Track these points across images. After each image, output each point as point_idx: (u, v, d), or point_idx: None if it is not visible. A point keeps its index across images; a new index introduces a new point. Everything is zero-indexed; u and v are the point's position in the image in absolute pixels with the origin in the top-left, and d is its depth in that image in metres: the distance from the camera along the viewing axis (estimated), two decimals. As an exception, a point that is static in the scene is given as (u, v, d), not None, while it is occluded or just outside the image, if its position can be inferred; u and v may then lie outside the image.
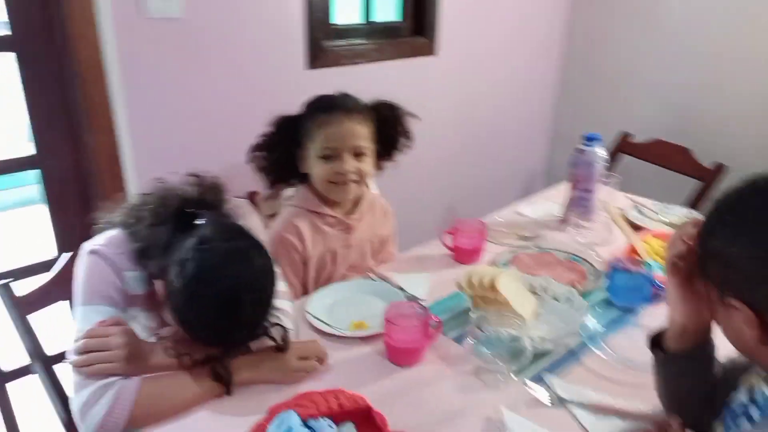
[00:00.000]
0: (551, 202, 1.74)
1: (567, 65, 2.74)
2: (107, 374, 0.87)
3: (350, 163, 1.25)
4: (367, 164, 1.29)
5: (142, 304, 1.00)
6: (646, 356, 0.99)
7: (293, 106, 1.30)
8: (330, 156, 1.25)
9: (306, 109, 1.29)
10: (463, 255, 1.38)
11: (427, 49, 2.15)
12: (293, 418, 0.80)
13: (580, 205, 1.52)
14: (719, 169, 1.94)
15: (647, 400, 0.91)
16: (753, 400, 0.66)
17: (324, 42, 1.84)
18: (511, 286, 1.12)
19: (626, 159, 2.24)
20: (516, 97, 2.59)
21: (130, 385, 0.87)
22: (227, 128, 1.68)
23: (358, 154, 1.27)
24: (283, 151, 1.27)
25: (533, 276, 1.22)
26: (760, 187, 0.63)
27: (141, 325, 0.99)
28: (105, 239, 1.00)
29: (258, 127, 1.28)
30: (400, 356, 1.01)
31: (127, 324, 0.92)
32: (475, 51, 2.33)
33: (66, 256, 1.16)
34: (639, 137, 2.24)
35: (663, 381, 0.84)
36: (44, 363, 1.11)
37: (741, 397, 0.69)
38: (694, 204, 1.92)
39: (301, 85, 1.75)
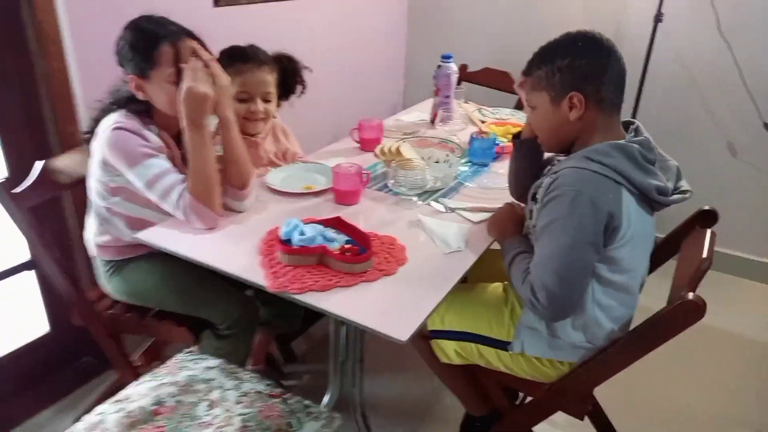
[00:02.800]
0: (419, 111, 2.30)
1: (413, 14, 3.30)
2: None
3: (260, 105, 1.62)
4: (272, 106, 1.68)
5: (167, 146, 1.36)
6: (497, 184, 1.58)
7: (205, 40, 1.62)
8: (244, 99, 1.61)
9: (223, 56, 1.60)
10: (368, 144, 1.86)
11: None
12: (297, 221, 1.23)
13: (442, 107, 2.09)
14: (531, 85, 2.64)
15: (500, 203, 1.50)
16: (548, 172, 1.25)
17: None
18: (409, 151, 1.64)
19: (466, 84, 2.88)
20: (375, 41, 3.09)
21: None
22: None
23: (265, 99, 1.64)
24: None
25: (421, 149, 1.75)
26: (578, 34, 1.14)
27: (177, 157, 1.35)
28: (114, 119, 1.30)
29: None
30: (345, 197, 1.48)
31: None
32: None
33: (40, 164, 1.42)
34: (473, 67, 2.89)
35: (515, 162, 1.41)
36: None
37: (541, 179, 1.28)
38: (516, 107, 2.61)
39: (209, 22, 2.05)
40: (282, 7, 2.40)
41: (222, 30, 2.09)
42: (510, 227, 1.31)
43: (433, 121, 2.12)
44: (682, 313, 1.03)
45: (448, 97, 2.09)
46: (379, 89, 3.26)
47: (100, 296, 1.57)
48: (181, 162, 1.40)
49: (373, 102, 3.20)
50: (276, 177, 1.59)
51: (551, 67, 1.14)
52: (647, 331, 1.09)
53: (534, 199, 1.21)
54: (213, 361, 1.28)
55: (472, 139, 1.76)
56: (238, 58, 1.60)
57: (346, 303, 1.09)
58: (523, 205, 1.40)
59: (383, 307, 1.09)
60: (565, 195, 1.06)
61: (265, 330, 1.81)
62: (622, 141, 1.11)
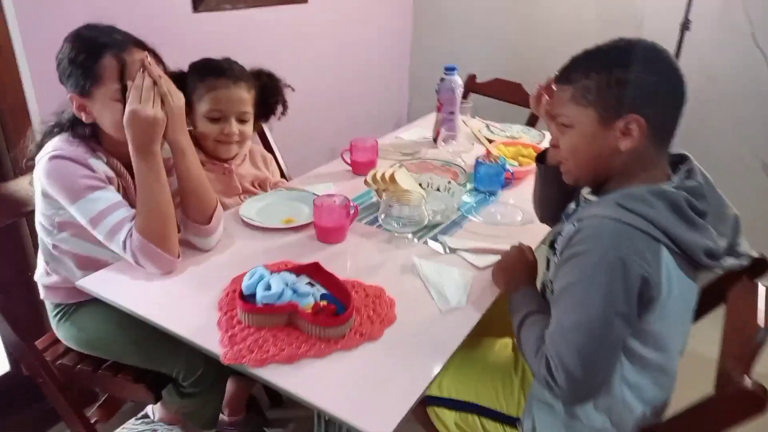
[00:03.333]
0: (422, 128, 2.09)
1: (418, 20, 3.09)
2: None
3: (235, 126, 1.42)
4: (249, 127, 1.47)
5: (118, 175, 1.19)
6: (504, 218, 1.37)
7: (181, 47, 1.42)
8: (217, 118, 1.40)
9: (194, 70, 1.42)
10: (361, 167, 1.65)
11: (300, -2, 2.34)
12: (263, 270, 1.02)
13: (446, 124, 1.88)
14: (544, 98, 2.42)
15: (509, 243, 1.29)
16: (578, 204, 1.03)
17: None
18: (405, 179, 1.43)
19: (474, 96, 2.67)
20: (377, 48, 2.89)
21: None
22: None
23: (241, 120, 1.44)
24: None
25: (420, 175, 1.54)
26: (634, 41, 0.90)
27: (131, 188, 1.17)
28: (54, 145, 1.11)
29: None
30: (329, 235, 1.27)
31: None
32: (341, 4, 2.57)
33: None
34: (482, 77, 2.68)
35: (539, 187, 1.19)
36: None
37: (572, 205, 1.06)
38: (528, 123, 2.40)
39: (188, 29, 1.86)
40: (271, 13, 2.21)
41: (202, 38, 1.92)
42: (520, 276, 1.10)
43: (435, 140, 1.91)
44: (736, 405, 0.81)
45: (452, 113, 1.88)
46: (382, 101, 3.06)
47: (53, 342, 1.38)
48: (135, 194, 1.20)
49: (375, 115, 3.00)
50: (251, 208, 1.39)
51: (607, 77, 0.89)
52: (690, 422, 0.87)
53: (552, 247, 0.99)
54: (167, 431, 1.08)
55: (477, 163, 1.55)
56: (210, 72, 1.40)
57: (316, 381, 0.88)
58: (529, 246, 1.19)
59: (361, 386, 0.88)
60: (590, 253, 0.85)
61: (243, 378, 1.61)
62: (666, 186, 0.89)
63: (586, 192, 1.02)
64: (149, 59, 1.09)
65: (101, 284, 1.11)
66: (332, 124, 2.69)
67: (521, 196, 1.52)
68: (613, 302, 0.84)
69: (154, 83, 1.08)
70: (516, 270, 1.11)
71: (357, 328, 0.98)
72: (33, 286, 1.37)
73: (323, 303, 1.00)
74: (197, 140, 1.44)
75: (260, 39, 2.17)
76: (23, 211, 1.32)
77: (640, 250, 0.84)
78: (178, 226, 1.20)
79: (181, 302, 1.06)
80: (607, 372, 0.89)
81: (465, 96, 2.65)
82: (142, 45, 1.13)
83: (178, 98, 1.12)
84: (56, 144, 1.12)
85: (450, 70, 1.84)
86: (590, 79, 0.91)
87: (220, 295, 1.07)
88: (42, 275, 1.30)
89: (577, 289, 0.86)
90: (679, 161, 0.97)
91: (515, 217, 1.43)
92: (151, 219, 1.09)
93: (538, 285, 1.11)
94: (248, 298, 1.00)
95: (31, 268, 1.36)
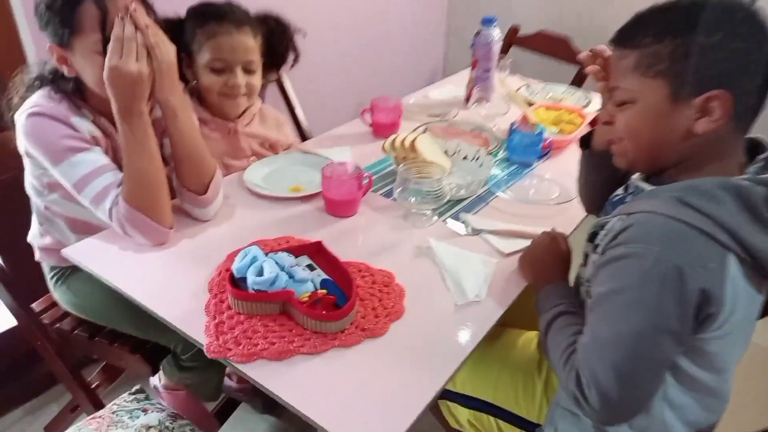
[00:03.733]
0: (454, 85, 1.91)
1: (460, -39, 2.83)
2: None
3: (241, 77, 1.26)
4: (257, 79, 1.30)
5: (106, 135, 1.08)
6: (538, 195, 1.21)
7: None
8: (221, 69, 1.25)
9: (192, 15, 1.26)
10: (382, 129, 1.50)
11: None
12: (256, 250, 0.91)
13: (480, 83, 1.69)
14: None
15: (542, 225, 1.14)
16: (626, 191, 0.87)
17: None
18: (428, 147, 1.28)
19: (515, 50, 2.44)
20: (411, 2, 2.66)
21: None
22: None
23: (248, 70, 1.28)
24: None
25: (447, 141, 1.39)
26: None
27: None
28: (33, 101, 1.01)
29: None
30: (338, 208, 1.15)
31: None
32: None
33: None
34: (526, 30, 2.44)
35: (584, 174, 1.04)
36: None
37: (618, 191, 0.90)
38: (573, 83, 2.18)
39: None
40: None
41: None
42: (551, 269, 0.96)
43: (467, 100, 1.73)
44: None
45: (488, 71, 1.69)
46: (416, 52, 2.84)
47: (51, 304, 1.32)
48: None
49: (407, 68, 2.80)
50: (257, 173, 1.27)
51: (685, 42, 0.70)
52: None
53: (592, 240, 0.84)
54: (156, 416, 1.01)
55: (512, 130, 1.38)
56: (210, 16, 1.24)
57: (309, 383, 0.78)
58: (566, 235, 1.03)
59: (359, 391, 0.77)
60: (640, 257, 0.70)
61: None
62: (740, 179, 0.72)
63: (638, 178, 0.85)
64: (134, 5, 0.95)
65: (87, 254, 1.02)
66: (359, 78, 2.52)
67: (560, 169, 1.36)
68: (663, 317, 0.69)
69: (140, 32, 0.94)
70: (546, 261, 0.97)
71: (359, 322, 0.87)
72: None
73: (322, 292, 0.88)
74: (201, 95, 1.32)
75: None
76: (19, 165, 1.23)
77: (702, 258, 0.69)
78: (173, 193, 1.09)
79: (171, 279, 0.97)
80: (647, 395, 0.76)
81: (505, 51, 2.43)
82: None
83: (167, 51, 0.99)
84: (36, 99, 1.01)
85: (487, 22, 1.64)
86: (663, 44, 0.72)
87: (213, 273, 0.96)
88: (36, 236, 1.23)
89: (621, 298, 0.72)
90: (754, 148, 0.79)
91: (551, 195, 1.27)
92: (139, 187, 0.99)
93: (572, 280, 0.97)
94: (239, 282, 0.89)
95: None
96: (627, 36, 0.77)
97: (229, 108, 1.32)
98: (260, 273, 0.87)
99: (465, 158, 1.36)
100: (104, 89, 0.96)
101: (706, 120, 0.72)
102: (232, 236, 1.08)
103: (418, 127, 1.54)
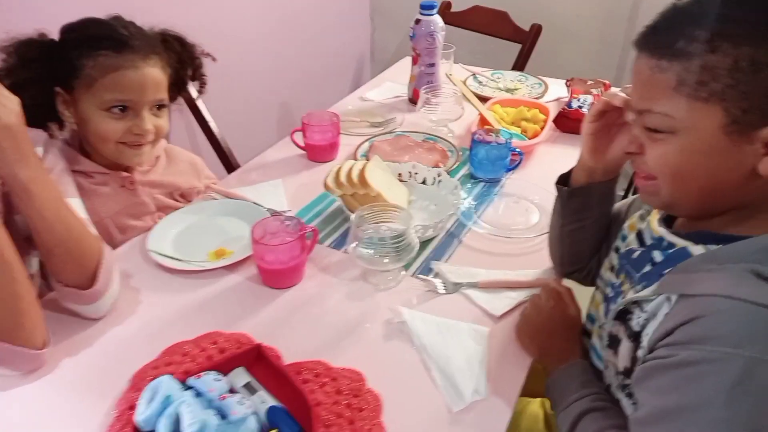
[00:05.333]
0: (393, 82, 1.65)
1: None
2: None
3: (149, 121, 0.96)
4: (166, 120, 1.01)
5: None
6: (518, 224, 1.00)
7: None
8: (122, 111, 0.95)
9: (73, 38, 0.93)
10: (318, 152, 1.24)
11: None
12: (168, 383, 0.64)
13: (424, 81, 1.45)
14: (537, 31, 2.00)
15: (530, 266, 0.93)
16: (644, 244, 0.67)
17: None
18: (381, 178, 1.03)
19: (449, 31, 2.21)
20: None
21: None
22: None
23: (157, 107, 0.99)
24: (35, 91, 0.89)
25: (399, 163, 1.14)
26: None
27: None
28: None
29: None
30: (278, 279, 0.89)
31: None
32: None
33: None
34: (458, 5, 2.21)
35: (558, 219, 0.84)
36: None
37: (626, 242, 0.69)
38: (518, 66, 1.98)
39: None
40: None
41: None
42: (561, 343, 0.75)
43: (414, 101, 1.49)
44: None
45: (432, 65, 1.45)
46: (338, 41, 2.55)
47: None
48: None
49: (332, 60, 2.50)
50: (164, 237, 0.98)
51: (752, 51, 0.51)
52: None
53: (622, 319, 0.63)
54: None
55: (474, 142, 1.15)
56: (103, 43, 0.91)
57: None
58: (568, 287, 0.83)
59: None
60: (723, 363, 0.49)
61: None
62: None
63: (659, 224, 0.65)
64: None
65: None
66: (283, 80, 2.21)
67: (532, 181, 1.14)
68: None
69: None
70: (552, 332, 0.76)
71: (326, 468, 0.63)
72: None
73: (271, 435, 0.63)
74: (82, 144, 1.00)
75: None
76: None
77: None
78: (42, 291, 0.80)
79: (45, 429, 0.68)
80: None
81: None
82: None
83: (6, 111, 0.68)
84: None
85: (427, 7, 1.39)
86: (719, 54, 0.51)
87: (111, 417, 0.68)
88: None
89: (700, 418, 0.51)
90: None
91: (530, 219, 1.06)
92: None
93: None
94: (148, 438, 0.62)
95: None
96: (664, 39, 0.55)
97: (128, 159, 1.00)
98: (176, 425, 0.61)
99: (423, 182, 1.13)
100: None
101: None
102: (137, 343, 0.79)
103: (363, 143, 1.28)
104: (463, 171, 1.21)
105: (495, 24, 2.14)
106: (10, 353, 0.71)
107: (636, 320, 0.60)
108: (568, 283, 0.89)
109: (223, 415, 0.63)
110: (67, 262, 0.78)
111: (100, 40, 0.91)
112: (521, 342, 0.78)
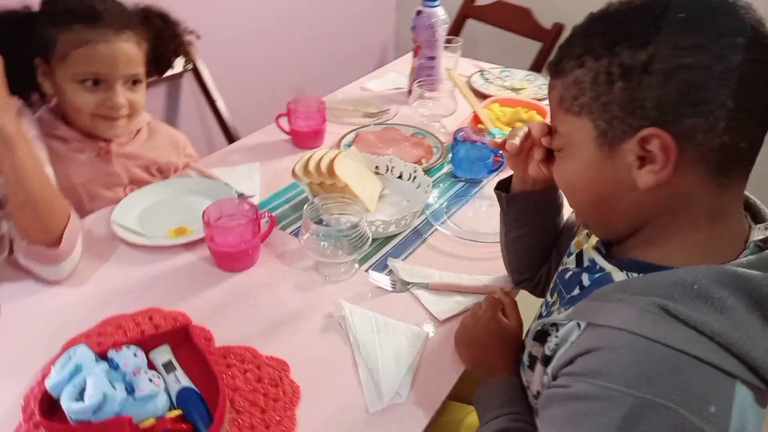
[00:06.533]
0: (397, 73, 1.63)
1: None
2: None
3: (122, 95, 0.98)
4: (141, 95, 1.02)
5: None
6: (488, 227, 0.97)
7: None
8: (95, 83, 0.96)
9: (49, 11, 0.95)
10: (303, 138, 1.23)
11: None
12: (83, 352, 0.65)
13: (424, 73, 1.42)
14: (558, 30, 1.93)
15: (489, 271, 0.90)
16: (581, 266, 0.63)
17: None
18: (351, 169, 1.02)
19: (471, 23, 2.17)
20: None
21: None
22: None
23: (131, 84, 1.00)
24: (15, 61, 0.87)
25: (378, 156, 1.12)
26: None
27: None
28: None
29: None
30: (228, 261, 0.89)
31: None
32: None
33: None
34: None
35: (505, 227, 0.81)
36: None
37: (569, 262, 0.66)
38: (535, 66, 1.92)
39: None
40: None
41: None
42: (493, 356, 0.72)
43: (409, 92, 1.46)
44: None
45: (433, 58, 1.42)
46: (363, 28, 2.53)
47: None
48: None
49: (353, 47, 2.48)
50: (129, 210, 1.00)
51: (607, 63, 0.50)
52: None
53: (540, 340, 0.60)
54: None
55: (456, 140, 1.12)
56: (77, 15, 0.93)
57: None
58: (513, 299, 0.80)
59: None
60: (612, 402, 0.46)
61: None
62: (744, 267, 0.49)
63: (592, 246, 0.62)
64: None
65: None
66: (298, 60, 2.21)
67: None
68: None
69: None
70: (486, 344, 0.73)
71: (227, 453, 0.62)
72: None
73: (174, 414, 0.63)
74: (64, 112, 1.02)
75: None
76: None
77: (701, 399, 0.45)
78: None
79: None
80: None
81: (460, 23, 2.15)
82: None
83: None
84: None
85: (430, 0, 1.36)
86: (584, 68, 0.52)
87: (33, 381, 0.70)
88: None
89: None
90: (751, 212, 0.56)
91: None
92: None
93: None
94: (55, 404, 0.63)
95: None
96: (555, 59, 0.56)
97: (104, 130, 1.02)
98: (82, 392, 0.61)
99: (400, 177, 1.11)
100: None
101: (648, 170, 0.50)
102: (80, 311, 0.81)
103: (347, 133, 1.27)
104: (446, 169, 1.18)
105: (517, 20, 2.08)
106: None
107: (549, 344, 0.58)
108: (522, 294, 0.86)
109: (131, 389, 0.64)
110: (35, 219, 0.80)
111: (74, 13, 0.92)
112: (457, 349, 0.76)
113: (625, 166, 0.52)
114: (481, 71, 1.61)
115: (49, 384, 0.63)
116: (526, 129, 0.70)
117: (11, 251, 0.89)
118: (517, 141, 0.69)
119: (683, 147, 0.48)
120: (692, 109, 0.48)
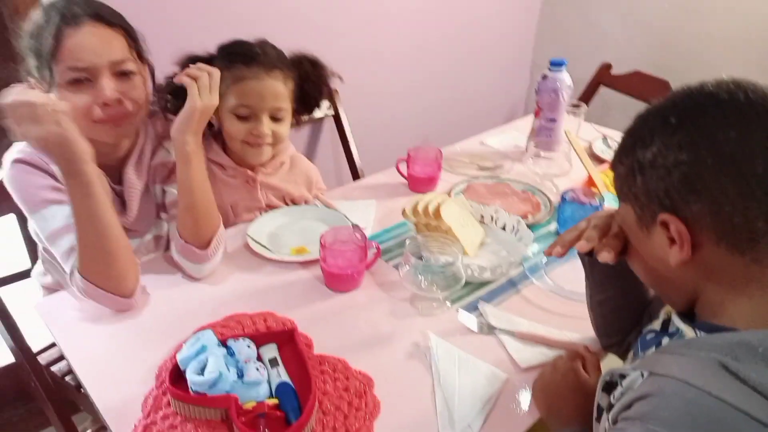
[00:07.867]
0: (518, 132, 1.69)
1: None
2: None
3: (267, 126, 1.14)
4: (285, 127, 1.19)
5: None
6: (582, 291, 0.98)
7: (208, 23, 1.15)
8: (246, 115, 1.14)
9: (221, 54, 1.15)
10: (418, 183, 1.34)
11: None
12: (209, 336, 0.78)
13: (543, 134, 1.47)
14: (695, 103, 1.87)
15: (579, 330, 0.91)
16: (665, 330, 0.64)
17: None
18: (456, 214, 1.09)
19: (605, 90, 2.17)
20: (494, 25, 2.46)
21: None
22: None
23: (275, 117, 1.16)
24: None
25: (484, 206, 1.19)
26: (695, 91, 0.58)
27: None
28: (20, 146, 0.96)
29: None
30: (335, 281, 0.99)
31: None
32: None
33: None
34: (619, 68, 2.16)
35: (590, 289, 0.83)
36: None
37: (654, 325, 0.67)
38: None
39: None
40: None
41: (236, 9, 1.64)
42: (567, 406, 0.73)
43: (526, 151, 1.51)
44: None
45: (553, 120, 1.46)
46: (496, 87, 2.63)
47: (51, 345, 1.28)
48: (117, 206, 1.02)
49: (485, 104, 2.59)
50: (263, 227, 1.15)
51: (632, 161, 0.60)
52: None
53: (608, 391, 0.62)
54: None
55: (563, 199, 1.15)
56: (239, 57, 1.13)
57: None
58: (596, 355, 0.80)
59: None
60: None
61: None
62: None
63: (675, 315, 0.63)
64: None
65: (53, 309, 0.95)
66: (427, 112, 2.36)
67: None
68: None
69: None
70: (562, 394, 0.75)
71: (309, 447, 0.70)
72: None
73: (270, 403, 0.73)
74: (224, 140, 1.23)
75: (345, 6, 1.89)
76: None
77: None
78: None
79: (123, 356, 0.86)
80: None
81: (593, 89, 2.17)
82: (107, 20, 0.91)
83: (209, 97, 0.97)
84: (21, 145, 0.96)
85: (556, 64, 1.42)
86: (621, 164, 0.62)
87: (167, 355, 0.85)
88: (38, 274, 1.19)
89: None
90: None
91: (601, 286, 1.02)
92: (88, 256, 0.89)
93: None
94: (181, 378, 0.76)
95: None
96: (615, 154, 0.64)
97: (251, 157, 1.20)
98: (203, 369, 0.74)
99: (503, 228, 1.16)
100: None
101: (675, 250, 0.57)
102: (211, 305, 0.96)
103: (458, 184, 1.35)
104: (551, 227, 1.21)
105: (653, 92, 2.01)
106: (103, 296, 0.90)
107: (615, 392, 0.59)
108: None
109: (240, 374, 0.75)
110: (195, 223, 0.98)
111: (236, 56, 1.12)
112: (533, 396, 0.78)
113: (663, 245, 0.58)
114: (605, 137, 1.62)
115: (179, 356, 0.76)
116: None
117: (167, 248, 1.08)
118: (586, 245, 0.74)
119: (697, 229, 0.55)
120: (695, 196, 0.54)
